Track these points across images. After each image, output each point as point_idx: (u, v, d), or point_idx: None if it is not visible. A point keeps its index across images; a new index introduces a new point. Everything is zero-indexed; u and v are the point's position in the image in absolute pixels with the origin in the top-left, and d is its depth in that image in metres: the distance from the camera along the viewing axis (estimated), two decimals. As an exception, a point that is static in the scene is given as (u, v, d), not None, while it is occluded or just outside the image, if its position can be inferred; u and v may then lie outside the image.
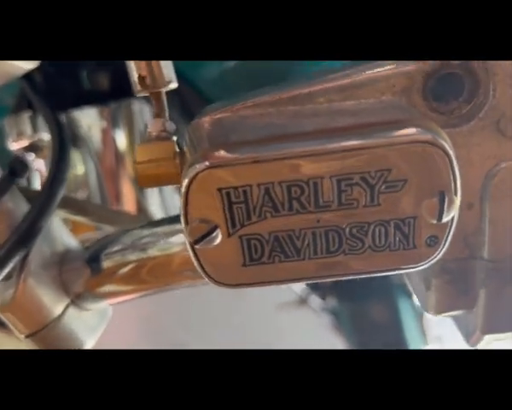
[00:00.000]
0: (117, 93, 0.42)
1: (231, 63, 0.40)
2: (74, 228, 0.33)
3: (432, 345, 0.63)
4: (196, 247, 0.18)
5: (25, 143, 0.38)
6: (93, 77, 0.42)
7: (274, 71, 0.41)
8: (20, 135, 0.38)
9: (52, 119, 0.34)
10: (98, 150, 0.41)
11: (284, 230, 0.18)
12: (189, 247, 0.18)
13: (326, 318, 0.67)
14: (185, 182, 0.17)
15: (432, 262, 0.19)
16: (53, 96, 0.39)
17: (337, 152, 0.17)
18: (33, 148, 0.39)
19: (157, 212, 0.42)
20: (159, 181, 0.22)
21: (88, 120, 0.41)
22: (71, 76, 0.42)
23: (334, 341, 0.71)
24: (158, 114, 0.24)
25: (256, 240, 0.18)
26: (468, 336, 0.25)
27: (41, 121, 0.38)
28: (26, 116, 0.38)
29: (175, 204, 0.42)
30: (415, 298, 0.26)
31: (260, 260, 0.19)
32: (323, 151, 0.17)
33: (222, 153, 0.17)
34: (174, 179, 0.22)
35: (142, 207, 0.42)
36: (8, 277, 0.25)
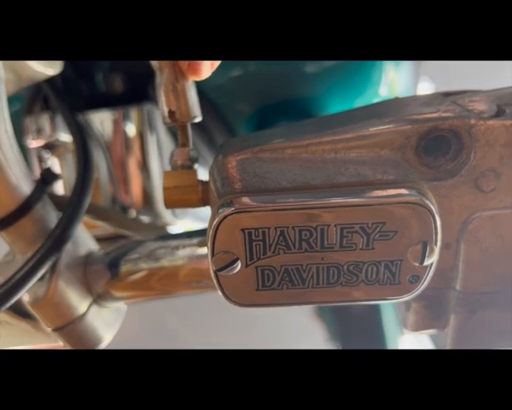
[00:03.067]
0: (131, 96, 0.44)
1: (236, 71, 0.42)
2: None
3: (406, 335, 0.67)
4: (219, 274, 0.22)
5: (42, 141, 0.41)
6: (108, 80, 0.44)
7: (276, 78, 0.44)
8: (39, 134, 0.40)
9: (74, 124, 0.36)
10: (108, 140, 0.44)
11: (293, 264, 0.22)
12: (212, 274, 0.22)
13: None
14: (214, 222, 0.21)
15: (412, 296, 0.23)
16: (70, 98, 0.41)
17: (342, 206, 0.20)
18: (50, 146, 0.42)
19: (161, 198, 0.45)
20: (183, 204, 0.26)
21: (100, 114, 0.44)
22: (87, 79, 0.44)
23: (314, 327, 0.75)
24: (183, 144, 0.27)
25: (269, 270, 0.22)
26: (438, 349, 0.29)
27: (59, 122, 0.41)
28: (45, 117, 0.40)
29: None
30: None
31: (271, 286, 0.22)
32: (331, 205, 0.20)
33: (247, 200, 0.20)
34: (196, 203, 0.26)
35: (148, 196, 0.45)
36: (41, 278, 0.27)
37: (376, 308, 0.62)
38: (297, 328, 1.08)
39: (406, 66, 0.53)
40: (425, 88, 0.75)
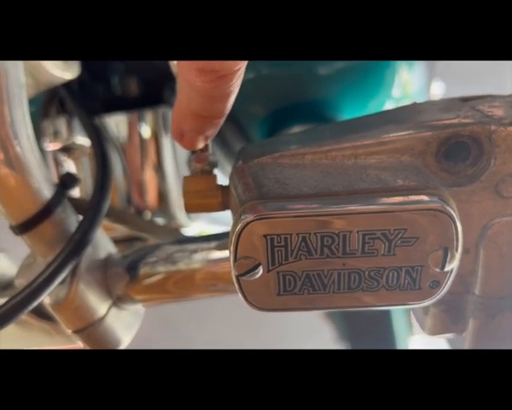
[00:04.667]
0: (146, 99, 0.45)
1: (249, 74, 0.43)
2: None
3: (417, 335, 0.67)
4: (241, 279, 0.22)
5: (59, 144, 0.41)
6: (124, 83, 0.45)
7: (289, 80, 0.44)
8: (56, 137, 0.41)
9: (91, 127, 0.37)
10: (124, 143, 0.44)
11: (315, 269, 0.22)
12: (234, 278, 0.22)
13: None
14: (237, 228, 0.21)
15: (432, 301, 0.23)
16: (86, 101, 0.41)
17: (364, 213, 0.21)
18: (66, 149, 0.42)
19: (176, 200, 0.46)
20: (203, 209, 0.26)
21: (116, 117, 0.44)
22: (103, 82, 0.44)
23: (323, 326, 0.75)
24: (202, 149, 0.27)
25: (290, 276, 0.22)
26: (456, 353, 0.29)
27: (75, 125, 0.41)
28: (62, 120, 0.41)
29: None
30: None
31: (292, 291, 0.22)
32: (352, 212, 0.21)
33: (269, 207, 0.21)
34: (216, 208, 0.26)
35: (163, 198, 0.45)
36: (62, 281, 0.28)
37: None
38: (306, 327, 1.09)
39: (419, 67, 0.52)
40: (437, 87, 0.75)
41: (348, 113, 0.46)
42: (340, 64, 0.43)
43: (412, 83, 0.51)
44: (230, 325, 1.20)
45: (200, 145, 0.25)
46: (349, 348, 0.67)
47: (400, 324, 0.63)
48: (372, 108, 0.47)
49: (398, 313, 0.62)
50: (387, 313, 0.62)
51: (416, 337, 0.67)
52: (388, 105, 0.47)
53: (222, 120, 0.24)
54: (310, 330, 1.08)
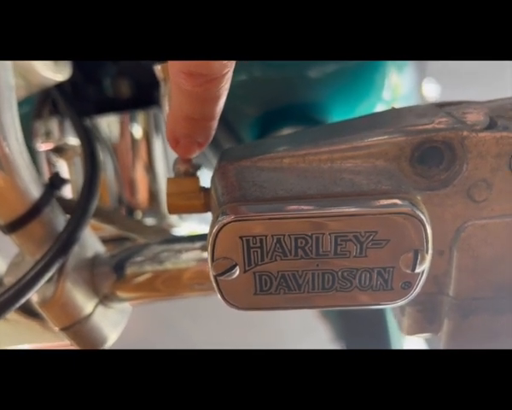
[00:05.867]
0: (137, 101, 0.45)
1: (241, 76, 0.43)
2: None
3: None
4: (219, 278, 0.23)
5: (51, 145, 0.42)
6: (116, 85, 0.45)
7: (281, 83, 0.45)
8: (48, 137, 0.41)
9: (82, 128, 0.37)
10: (115, 143, 0.45)
11: (290, 270, 0.23)
12: (212, 278, 0.23)
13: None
14: (214, 229, 0.22)
15: (405, 302, 0.23)
16: (78, 103, 0.42)
17: (336, 216, 0.21)
18: (58, 150, 0.43)
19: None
20: (186, 210, 0.27)
21: (107, 117, 0.45)
22: (95, 83, 0.45)
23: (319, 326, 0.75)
24: (186, 152, 0.28)
25: (266, 276, 0.23)
26: (433, 352, 0.29)
27: (67, 126, 0.42)
28: (55, 121, 0.41)
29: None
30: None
31: (268, 291, 0.23)
32: (325, 215, 0.21)
33: (245, 210, 0.21)
34: (199, 209, 0.27)
35: (154, 198, 0.46)
36: (49, 279, 0.29)
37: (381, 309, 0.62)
38: (301, 326, 1.09)
39: (409, 69, 0.53)
40: (431, 89, 0.75)
41: (339, 115, 0.47)
42: (330, 67, 0.44)
43: (402, 85, 0.52)
44: (225, 323, 1.21)
45: (195, 153, 0.26)
46: (344, 347, 0.68)
47: (394, 324, 0.63)
48: (363, 110, 0.47)
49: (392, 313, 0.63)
50: (382, 313, 0.63)
51: (410, 337, 0.67)
52: (379, 107, 0.48)
53: (214, 124, 0.25)
54: (305, 330, 1.08)
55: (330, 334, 0.73)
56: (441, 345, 0.28)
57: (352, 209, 0.21)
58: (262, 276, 0.23)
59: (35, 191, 0.28)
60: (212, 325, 1.24)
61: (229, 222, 0.21)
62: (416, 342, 0.68)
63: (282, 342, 1.22)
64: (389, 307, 0.29)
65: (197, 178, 0.27)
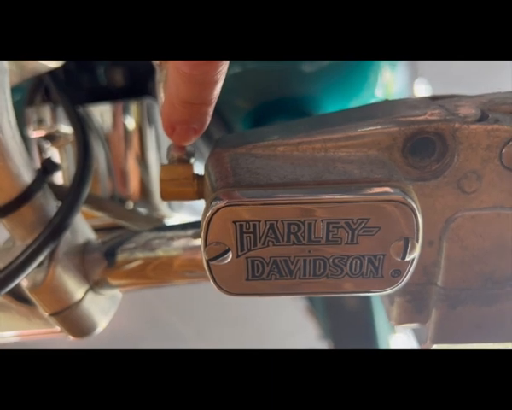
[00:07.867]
0: (131, 90, 0.45)
1: (234, 68, 0.43)
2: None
3: (399, 333, 0.68)
4: (211, 263, 0.23)
5: (43, 132, 0.42)
6: (109, 73, 0.45)
7: (274, 76, 0.45)
8: (40, 125, 0.41)
9: (75, 116, 0.37)
10: (108, 133, 0.45)
11: (282, 256, 0.23)
12: (204, 263, 0.23)
13: (301, 301, 0.73)
14: (208, 214, 0.22)
15: (395, 289, 0.24)
16: (71, 91, 0.42)
17: (328, 202, 0.22)
18: (50, 137, 0.42)
19: (158, 192, 0.46)
20: (179, 197, 0.27)
21: (100, 107, 0.44)
22: (88, 72, 0.45)
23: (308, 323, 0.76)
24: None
25: (258, 261, 0.23)
26: (421, 343, 0.30)
27: (60, 113, 0.42)
28: (47, 108, 0.41)
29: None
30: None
31: (260, 276, 0.23)
32: (318, 201, 0.22)
33: (239, 195, 0.22)
34: (192, 196, 0.27)
35: (145, 189, 0.46)
36: (39, 264, 0.29)
37: (368, 306, 0.63)
38: (290, 323, 1.10)
39: (402, 67, 0.54)
40: (422, 90, 0.76)
41: (332, 110, 0.47)
42: (324, 62, 0.44)
43: (395, 82, 0.52)
44: (215, 319, 1.21)
45: (191, 140, 0.26)
46: (331, 346, 0.68)
47: (382, 321, 0.64)
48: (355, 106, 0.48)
49: (380, 310, 0.63)
50: (369, 310, 0.63)
51: (397, 335, 0.68)
52: (371, 104, 0.48)
53: (210, 110, 0.25)
54: (292, 328, 1.09)
55: (318, 331, 0.73)
56: (428, 335, 0.28)
57: (345, 196, 0.22)
58: (254, 261, 0.23)
59: (27, 176, 0.28)
60: (201, 320, 1.24)
61: (223, 207, 0.22)
62: (402, 336, 0.68)
63: (268, 340, 1.22)
64: (378, 296, 0.30)
65: (191, 166, 0.27)
